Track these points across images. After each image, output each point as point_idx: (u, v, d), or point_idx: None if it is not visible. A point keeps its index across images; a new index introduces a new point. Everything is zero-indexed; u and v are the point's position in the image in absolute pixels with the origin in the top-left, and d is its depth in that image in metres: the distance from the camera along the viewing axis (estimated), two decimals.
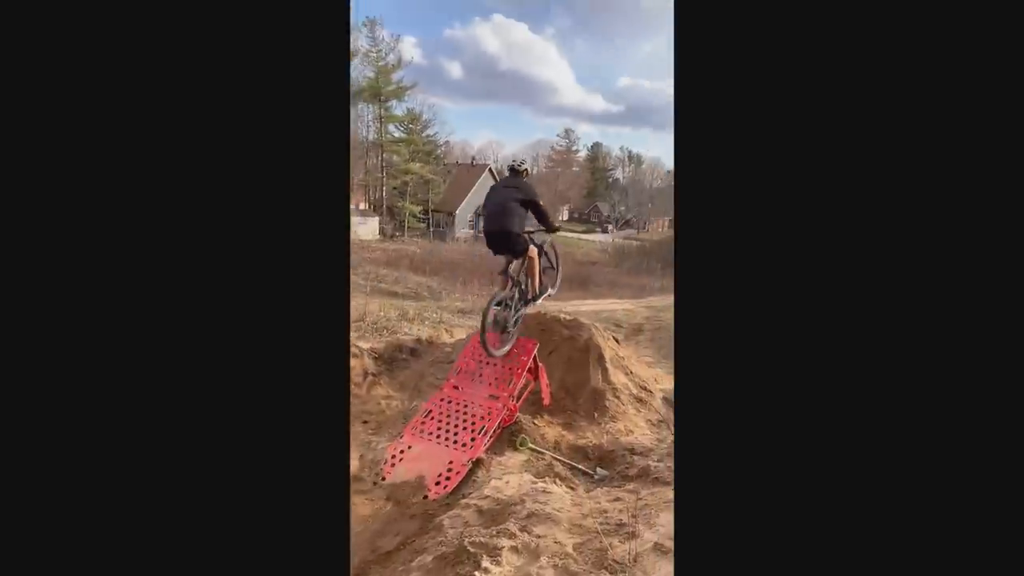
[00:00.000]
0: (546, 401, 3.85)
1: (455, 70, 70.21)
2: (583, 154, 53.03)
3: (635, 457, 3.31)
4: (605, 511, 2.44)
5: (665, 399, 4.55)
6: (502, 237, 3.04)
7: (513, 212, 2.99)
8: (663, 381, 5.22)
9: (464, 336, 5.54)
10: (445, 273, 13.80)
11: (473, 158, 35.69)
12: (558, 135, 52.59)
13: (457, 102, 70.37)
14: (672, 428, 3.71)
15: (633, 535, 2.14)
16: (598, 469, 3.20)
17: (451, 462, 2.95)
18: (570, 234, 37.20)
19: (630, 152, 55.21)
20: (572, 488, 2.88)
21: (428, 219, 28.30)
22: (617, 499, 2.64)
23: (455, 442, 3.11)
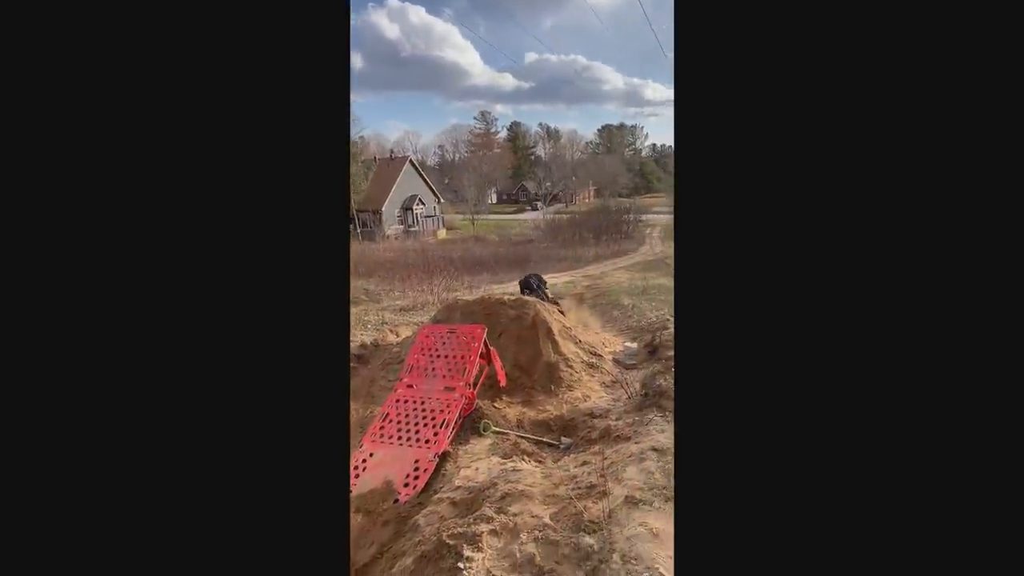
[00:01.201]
0: (502, 383, 3.88)
1: (356, 61, 67.02)
2: (502, 135, 53.05)
3: (595, 420, 3.42)
4: (575, 477, 2.51)
5: (615, 360, 4.73)
6: (534, 282, 6.74)
7: (535, 278, 6.83)
8: (611, 344, 5.42)
9: (410, 333, 5.42)
10: (381, 273, 13.35)
11: (392, 151, 34.50)
12: (475, 118, 52.19)
13: (363, 95, 67.49)
14: (626, 387, 3.87)
15: (604, 494, 2.22)
16: (562, 439, 3.28)
17: (417, 461, 2.89)
18: (503, 216, 37.30)
19: (548, 128, 55.96)
20: (540, 462, 2.94)
21: (354, 220, 27.16)
22: (584, 463, 2.72)
23: (418, 440, 3.06)
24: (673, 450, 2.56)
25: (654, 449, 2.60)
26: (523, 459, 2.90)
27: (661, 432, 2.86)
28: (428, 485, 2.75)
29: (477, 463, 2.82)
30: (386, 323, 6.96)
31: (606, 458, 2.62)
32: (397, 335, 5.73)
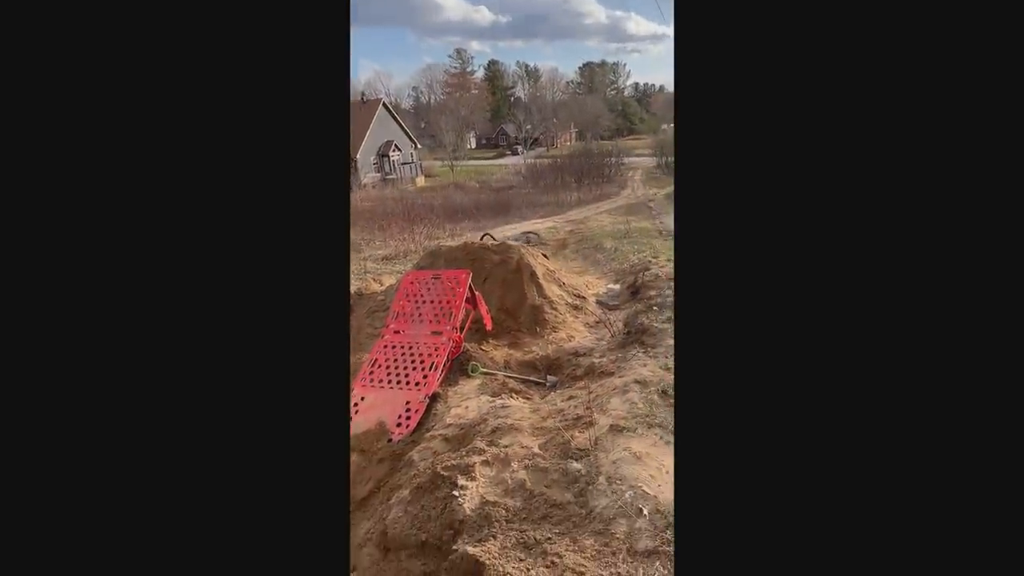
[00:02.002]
0: (488, 326, 3.93)
1: None
2: (480, 75, 50.60)
3: (580, 359, 3.53)
4: (562, 410, 2.62)
5: (599, 301, 4.81)
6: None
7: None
8: (594, 286, 5.50)
9: (394, 281, 5.39)
10: (361, 223, 13.04)
11: (363, 94, 32.65)
12: (449, 56, 49.41)
13: None
14: (609, 327, 3.97)
15: (590, 423, 2.33)
16: (548, 376, 3.39)
17: (408, 402, 2.97)
18: (483, 161, 36.29)
19: (527, 66, 53.49)
20: (528, 399, 3.05)
21: None
22: (571, 398, 2.83)
23: (408, 383, 3.12)
24: (655, 382, 2.67)
25: (637, 382, 2.71)
26: (511, 397, 3.00)
27: (643, 366, 2.97)
28: (420, 424, 2.84)
29: (467, 402, 2.91)
30: (369, 272, 6.90)
31: (591, 392, 2.73)
32: (381, 283, 5.69)
